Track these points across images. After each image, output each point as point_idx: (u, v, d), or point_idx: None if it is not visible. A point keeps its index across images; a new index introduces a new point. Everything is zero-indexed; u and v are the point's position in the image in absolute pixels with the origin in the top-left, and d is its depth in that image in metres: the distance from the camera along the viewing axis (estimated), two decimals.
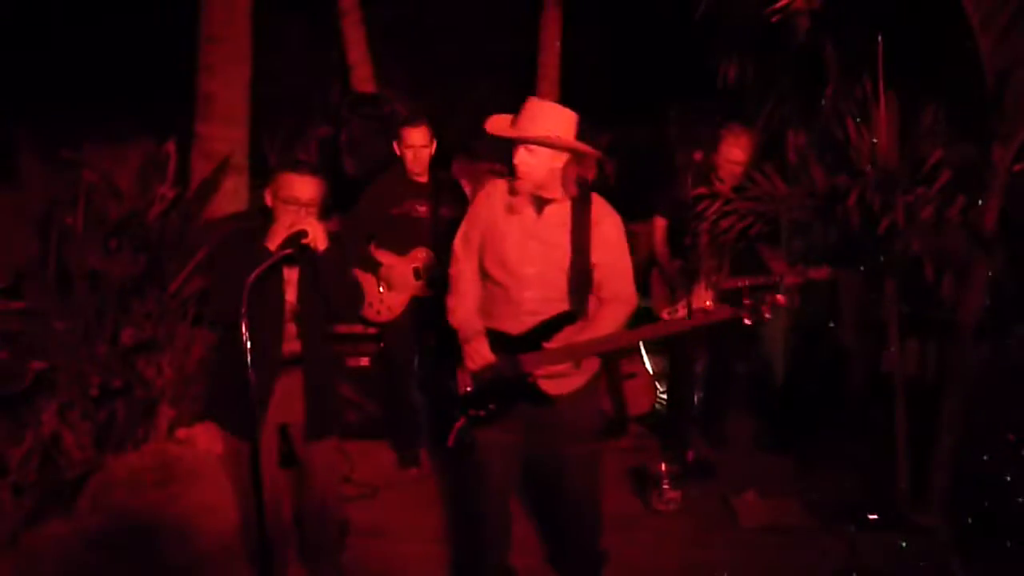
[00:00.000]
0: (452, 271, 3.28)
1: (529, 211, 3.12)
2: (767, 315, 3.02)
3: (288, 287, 3.24)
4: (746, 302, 3.06)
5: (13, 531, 3.37)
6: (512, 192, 3.11)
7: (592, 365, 3.25)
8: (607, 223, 3.14)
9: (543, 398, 3.14)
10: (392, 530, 3.96)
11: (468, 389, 3.20)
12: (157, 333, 3.86)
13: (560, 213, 3.11)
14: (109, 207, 3.82)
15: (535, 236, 3.11)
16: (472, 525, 3.41)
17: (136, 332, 3.78)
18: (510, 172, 3.09)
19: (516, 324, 3.13)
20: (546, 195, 3.09)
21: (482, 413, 3.18)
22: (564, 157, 3.03)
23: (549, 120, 3.02)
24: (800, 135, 4.40)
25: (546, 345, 3.10)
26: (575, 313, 3.11)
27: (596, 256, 3.11)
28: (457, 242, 3.27)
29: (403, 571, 3.70)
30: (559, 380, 3.15)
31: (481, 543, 3.35)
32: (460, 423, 3.19)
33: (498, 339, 3.15)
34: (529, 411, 3.17)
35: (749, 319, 3.03)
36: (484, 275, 3.21)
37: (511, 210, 3.13)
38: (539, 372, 3.12)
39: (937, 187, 3.64)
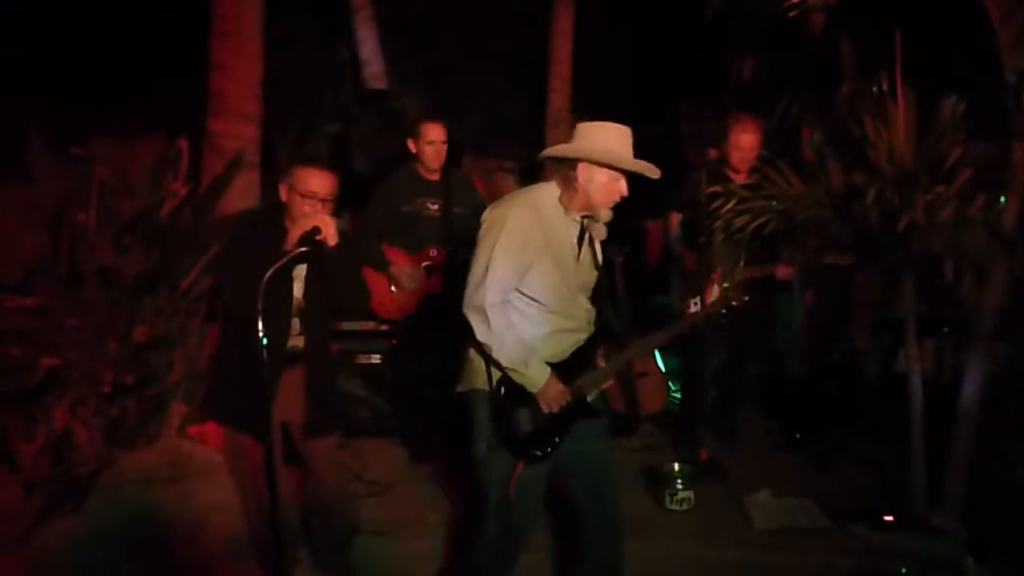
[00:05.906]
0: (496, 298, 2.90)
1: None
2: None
3: (294, 283, 3.22)
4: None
5: (25, 528, 3.37)
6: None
7: None
8: None
9: (594, 412, 3.07)
10: (403, 528, 3.94)
11: (529, 429, 2.96)
12: (169, 330, 3.84)
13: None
14: (121, 204, 3.80)
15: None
16: (503, 549, 3.13)
17: (148, 329, 3.76)
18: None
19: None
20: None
21: (549, 451, 2.98)
22: None
23: None
24: (816, 132, 4.36)
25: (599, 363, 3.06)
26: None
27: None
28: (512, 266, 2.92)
29: (413, 570, 3.67)
30: None
31: (505, 563, 3.15)
32: (520, 467, 2.94)
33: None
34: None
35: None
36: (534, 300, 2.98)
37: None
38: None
39: (957, 186, 3.60)
